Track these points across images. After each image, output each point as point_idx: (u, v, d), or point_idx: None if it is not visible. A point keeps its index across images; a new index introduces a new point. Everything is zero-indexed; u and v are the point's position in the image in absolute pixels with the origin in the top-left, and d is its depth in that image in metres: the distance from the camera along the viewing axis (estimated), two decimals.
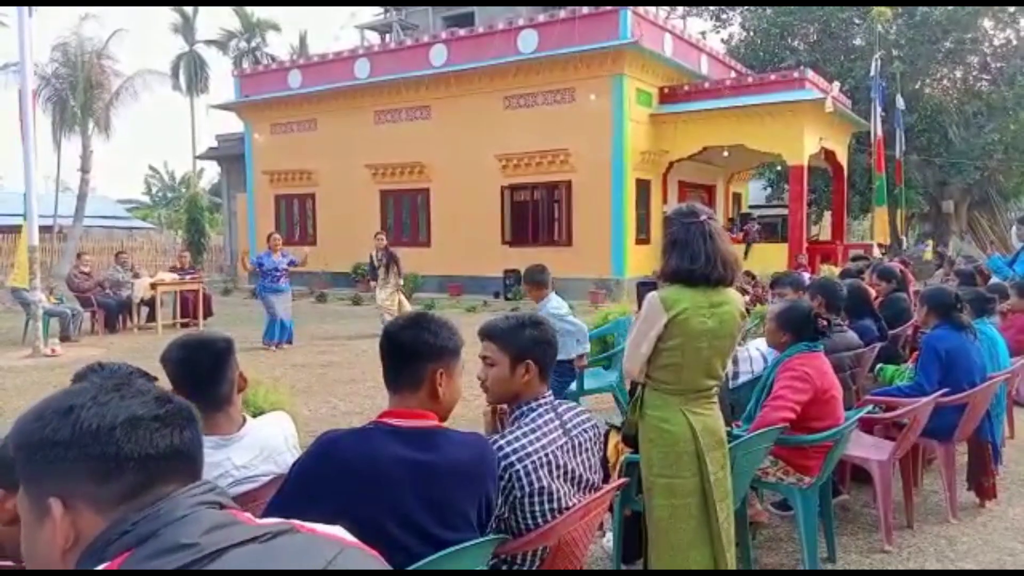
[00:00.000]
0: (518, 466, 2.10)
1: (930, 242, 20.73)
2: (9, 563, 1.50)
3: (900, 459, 4.04)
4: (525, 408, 2.27)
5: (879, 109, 17.09)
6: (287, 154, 20.34)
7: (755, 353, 4.53)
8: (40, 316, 10.08)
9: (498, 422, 2.44)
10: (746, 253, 15.86)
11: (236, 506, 0.99)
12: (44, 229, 18.17)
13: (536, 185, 16.92)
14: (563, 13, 16.31)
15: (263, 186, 21.23)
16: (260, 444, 2.32)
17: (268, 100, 20.46)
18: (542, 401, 2.29)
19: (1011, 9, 22.63)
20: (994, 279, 8.29)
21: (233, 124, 23.78)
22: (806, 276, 8.02)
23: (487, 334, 2.32)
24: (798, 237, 16.26)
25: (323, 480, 1.74)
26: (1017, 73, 22.71)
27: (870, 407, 4.16)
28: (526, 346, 2.26)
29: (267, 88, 20.65)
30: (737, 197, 22.99)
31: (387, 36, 23.88)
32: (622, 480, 2.67)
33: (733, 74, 19.11)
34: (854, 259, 11.05)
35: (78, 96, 24.94)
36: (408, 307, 10.48)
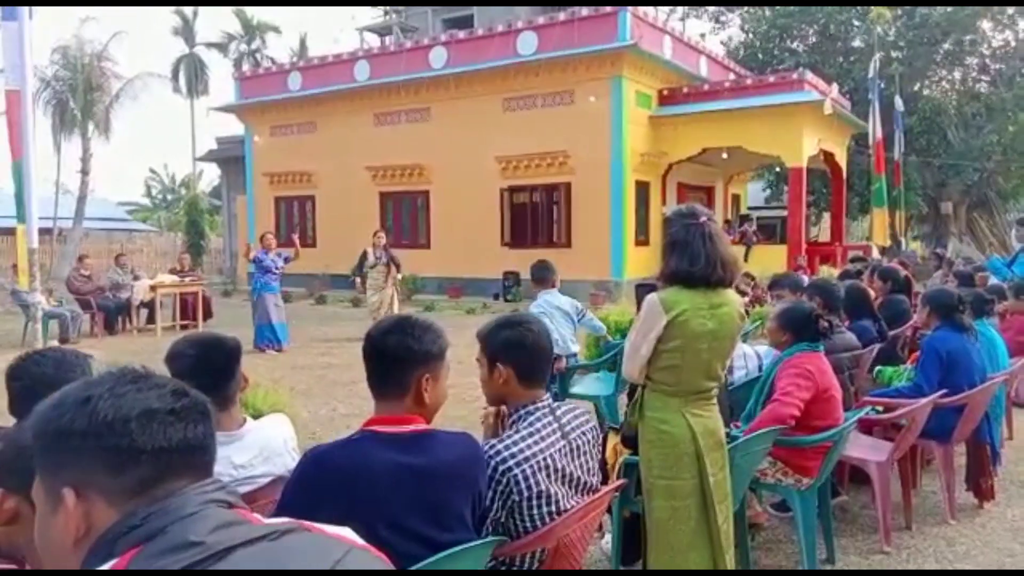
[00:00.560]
0: (516, 471, 2.10)
1: (915, 243, 20.67)
2: (9, 564, 1.50)
3: (899, 460, 4.04)
4: (523, 411, 2.26)
5: (878, 111, 17.11)
6: (287, 156, 20.35)
7: (749, 351, 4.54)
8: (39, 318, 10.03)
9: (499, 425, 2.44)
10: (746, 255, 15.86)
11: (244, 505, 1.00)
12: (44, 231, 18.18)
13: (535, 187, 16.93)
14: (562, 15, 16.34)
15: (263, 188, 21.24)
16: (260, 444, 2.35)
17: (268, 102, 20.47)
18: (540, 404, 2.28)
19: (1010, 10, 22.66)
20: (992, 280, 8.29)
21: (233, 126, 23.81)
22: (805, 277, 8.03)
23: (477, 336, 2.35)
24: (797, 238, 16.26)
25: (316, 495, 1.74)
26: (1016, 75, 22.75)
27: (869, 408, 4.16)
28: (497, 349, 2.26)
29: (267, 90, 20.67)
30: (736, 199, 23.00)
31: (387, 38, 23.90)
32: (621, 482, 2.67)
33: (732, 76, 19.12)
34: (853, 260, 11.05)
35: (78, 98, 24.94)
36: (396, 308, 10.50)
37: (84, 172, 26.01)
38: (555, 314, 5.35)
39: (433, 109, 18.04)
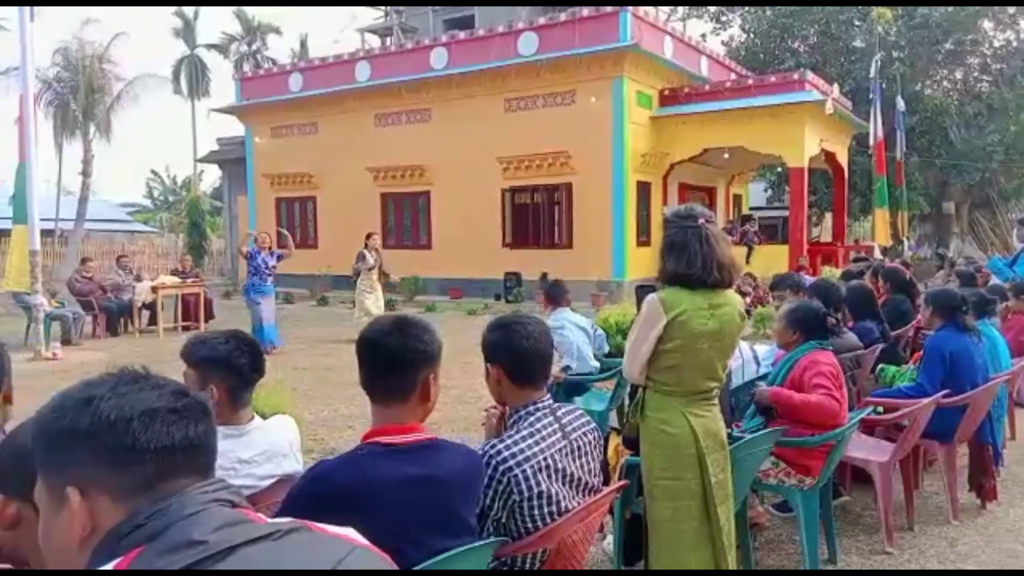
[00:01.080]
0: (516, 471, 2.10)
1: (908, 242, 20.58)
2: (8, 566, 1.50)
3: (901, 460, 4.04)
4: (523, 412, 2.26)
5: (879, 110, 17.10)
6: (288, 157, 20.37)
7: (747, 353, 4.53)
8: (41, 319, 10.08)
9: (501, 426, 2.44)
10: (748, 256, 15.85)
11: (248, 505, 1.00)
12: (46, 233, 18.19)
13: (537, 187, 16.94)
14: (563, 16, 16.34)
15: (264, 189, 21.26)
16: (266, 443, 2.39)
17: (269, 103, 20.49)
18: (540, 405, 2.28)
19: (1011, 10, 22.65)
20: (994, 280, 8.28)
21: (234, 127, 23.79)
22: (807, 278, 8.02)
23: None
24: (799, 239, 16.25)
25: (320, 515, 1.71)
26: (1017, 74, 22.72)
27: (871, 408, 4.16)
28: (488, 350, 2.29)
29: (268, 91, 20.68)
30: (738, 199, 22.99)
31: (387, 39, 23.90)
32: (622, 482, 2.67)
33: (733, 76, 19.12)
34: (855, 260, 11.05)
35: (79, 100, 24.99)
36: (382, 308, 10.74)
37: (85, 173, 26.06)
38: (573, 330, 5.31)
39: (434, 110, 18.04)
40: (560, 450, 2.24)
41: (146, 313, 12.79)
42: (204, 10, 41.08)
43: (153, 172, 52.68)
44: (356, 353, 1.90)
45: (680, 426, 2.61)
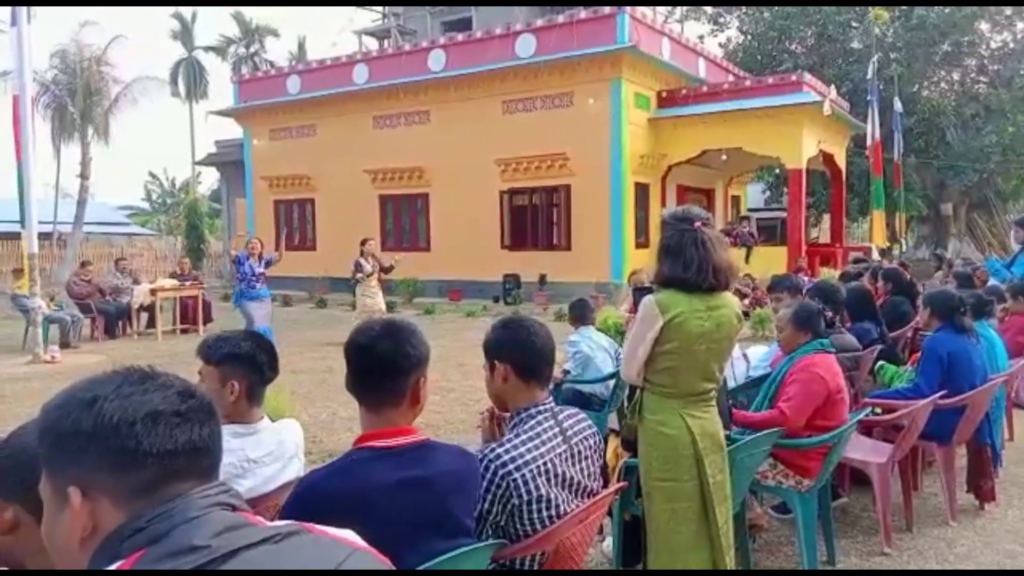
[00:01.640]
0: (516, 475, 2.10)
1: (904, 244, 20.58)
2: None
3: (899, 462, 4.04)
4: (524, 415, 2.26)
5: (877, 112, 17.12)
6: (286, 160, 20.37)
7: (735, 352, 4.53)
8: (40, 322, 10.08)
9: (496, 429, 2.44)
10: (747, 256, 15.87)
11: (248, 508, 1.00)
12: (44, 235, 18.19)
13: (535, 189, 16.95)
14: (561, 17, 16.36)
15: (262, 192, 21.25)
16: (274, 443, 2.41)
17: (267, 106, 20.49)
18: (542, 408, 2.28)
19: (1008, 11, 22.69)
20: (992, 281, 8.29)
21: (232, 130, 23.79)
22: (805, 279, 8.02)
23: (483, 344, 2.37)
24: (797, 240, 16.27)
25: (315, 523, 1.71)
26: (1014, 76, 22.77)
27: (869, 409, 4.16)
28: (494, 347, 2.28)
29: (266, 94, 20.68)
30: (736, 200, 23.02)
31: (385, 41, 23.93)
32: (621, 484, 2.68)
33: (731, 78, 19.14)
34: (855, 262, 11.05)
35: (77, 102, 24.98)
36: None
37: (83, 176, 26.04)
38: (594, 347, 5.24)
39: (432, 112, 18.05)
40: (560, 454, 2.23)
41: (144, 316, 12.79)
42: (202, 13, 41.15)
43: (151, 175, 52.71)
44: (345, 357, 1.90)
45: (678, 427, 2.61)
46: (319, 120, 19.82)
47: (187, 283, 13.11)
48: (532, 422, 2.24)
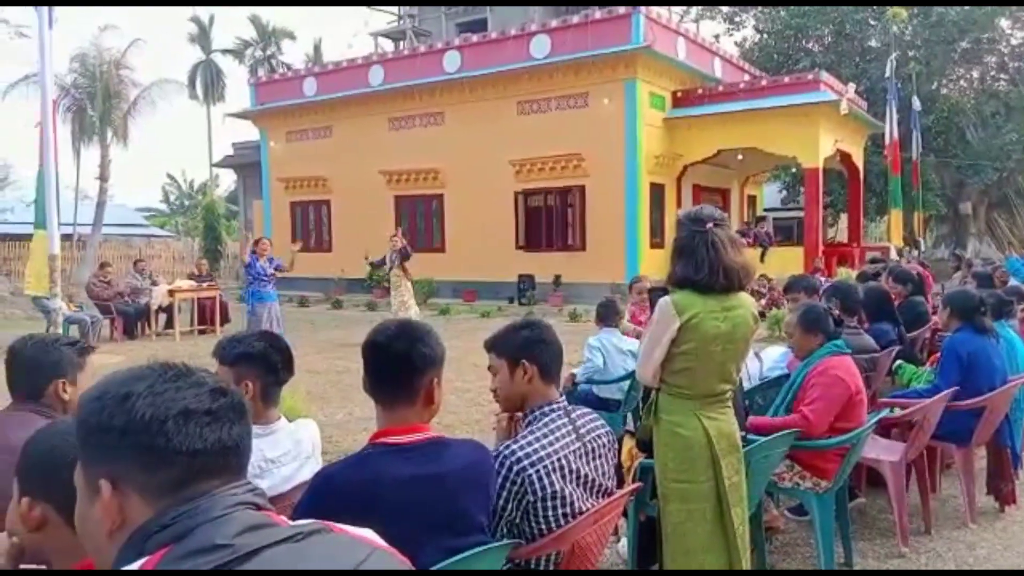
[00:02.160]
0: (531, 471, 2.11)
1: (922, 243, 20.29)
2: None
3: (917, 463, 4.01)
4: (538, 412, 2.28)
5: (895, 110, 16.97)
6: (302, 161, 20.49)
7: (749, 353, 4.50)
8: (60, 323, 10.17)
9: (513, 429, 2.45)
10: (763, 256, 15.77)
11: (272, 508, 1.01)
12: (64, 237, 18.36)
13: (550, 190, 16.94)
14: (575, 18, 16.35)
15: (279, 193, 21.39)
16: (291, 443, 2.44)
17: (283, 108, 20.63)
18: (555, 405, 2.30)
19: None
20: (1012, 281, 8.20)
21: (249, 132, 23.98)
22: (821, 279, 7.97)
23: (487, 346, 2.38)
24: (814, 240, 16.15)
25: (330, 516, 1.71)
26: None
27: (887, 409, 4.13)
28: (520, 346, 2.30)
29: (282, 96, 20.82)
30: (752, 200, 22.89)
31: (400, 43, 24.01)
32: (636, 485, 2.68)
33: (747, 77, 19.05)
34: (872, 262, 10.96)
35: (97, 105, 25.22)
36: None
37: (103, 178, 26.28)
38: (611, 351, 5.15)
39: (447, 113, 18.09)
40: (574, 451, 2.25)
41: (163, 317, 12.91)
42: (219, 16, 41.47)
43: (169, 177, 53.12)
44: (362, 356, 1.93)
45: (694, 428, 2.60)
46: (335, 122, 19.92)
47: (204, 284, 13.22)
48: (546, 419, 2.26)
